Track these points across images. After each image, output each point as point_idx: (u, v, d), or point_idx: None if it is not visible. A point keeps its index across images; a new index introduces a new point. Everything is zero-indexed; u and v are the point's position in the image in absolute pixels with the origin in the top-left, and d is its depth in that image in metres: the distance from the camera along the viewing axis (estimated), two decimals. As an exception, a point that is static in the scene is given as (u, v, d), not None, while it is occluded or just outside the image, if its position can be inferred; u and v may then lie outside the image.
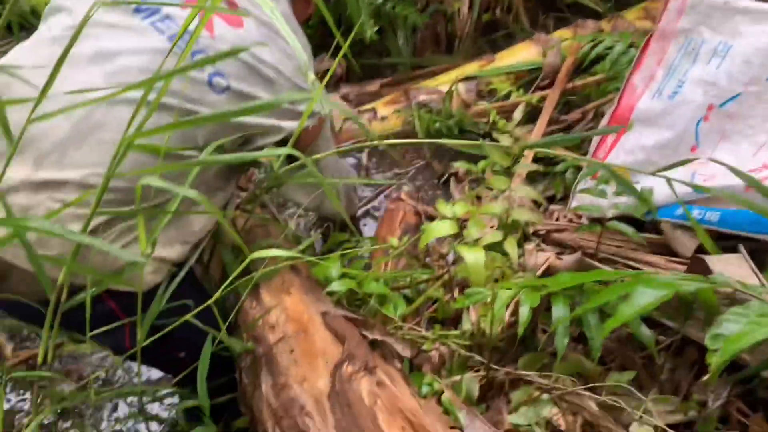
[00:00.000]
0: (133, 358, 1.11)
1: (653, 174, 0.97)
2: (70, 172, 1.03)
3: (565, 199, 1.90)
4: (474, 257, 1.07)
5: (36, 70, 0.89)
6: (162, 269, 1.17)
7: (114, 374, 1.80)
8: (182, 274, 1.17)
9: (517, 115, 1.13)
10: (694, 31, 1.56)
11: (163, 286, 1.13)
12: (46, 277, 0.83)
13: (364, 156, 2.33)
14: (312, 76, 1.36)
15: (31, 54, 1.14)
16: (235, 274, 1.08)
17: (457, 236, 1.48)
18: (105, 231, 1.07)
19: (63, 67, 0.79)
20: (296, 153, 0.97)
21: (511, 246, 1.13)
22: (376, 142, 1.06)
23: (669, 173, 1.49)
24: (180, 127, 0.78)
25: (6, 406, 1.67)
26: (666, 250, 1.50)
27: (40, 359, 1.04)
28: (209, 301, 1.09)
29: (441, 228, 1.16)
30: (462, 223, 1.32)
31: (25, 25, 2.19)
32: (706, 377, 0.83)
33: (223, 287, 1.07)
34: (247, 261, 1.01)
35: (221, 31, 1.21)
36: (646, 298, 0.85)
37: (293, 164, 1.29)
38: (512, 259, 1.11)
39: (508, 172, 1.87)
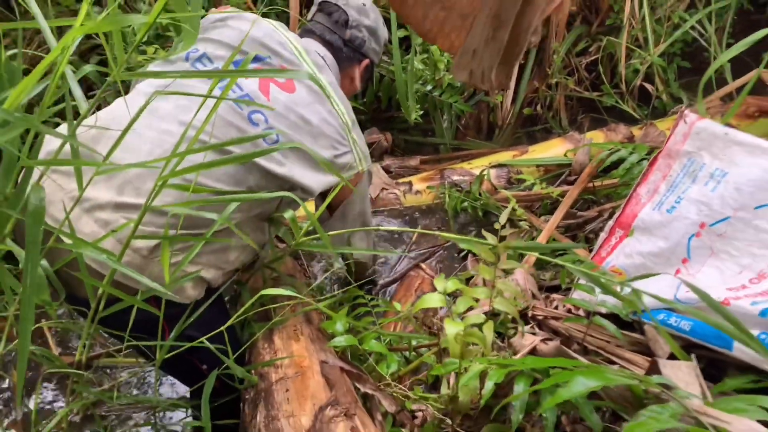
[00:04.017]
0: (162, 367, 1.31)
1: (628, 282, 1.11)
2: (143, 199, 1.27)
3: (569, 289, 2.03)
4: (453, 330, 1.23)
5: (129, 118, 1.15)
6: (200, 287, 1.39)
7: (139, 386, 2.02)
8: (217, 294, 1.40)
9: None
10: (697, 154, 1.72)
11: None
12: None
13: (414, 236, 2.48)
14: (354, 135, 1.60)
15: (127, 104, 1.43)
16: (248, 305, 1.30)
17: (468, 311, 1.65)
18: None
19: (150, 117, 1.04)
20: (316, 220, 1.17)
21: (488, 329, 1.28)
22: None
23: (657, 280, 1.63)
24: (208, 168, 1.01)
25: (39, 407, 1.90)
26: (648, 350, 1.61)
27: (77, 356, 1.26)
28: (228, 323, 1.30)
29: (432, 300, 1.33)
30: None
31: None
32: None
33: (236, 315, 1.27)
34: (257, 296, 1.22)
35: (275, 95, 1.48)
36: (579, 386, 0.99)
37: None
38: (487, 340, 1.26)
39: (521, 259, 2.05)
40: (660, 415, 0.93)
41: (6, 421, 1.84)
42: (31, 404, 1.93)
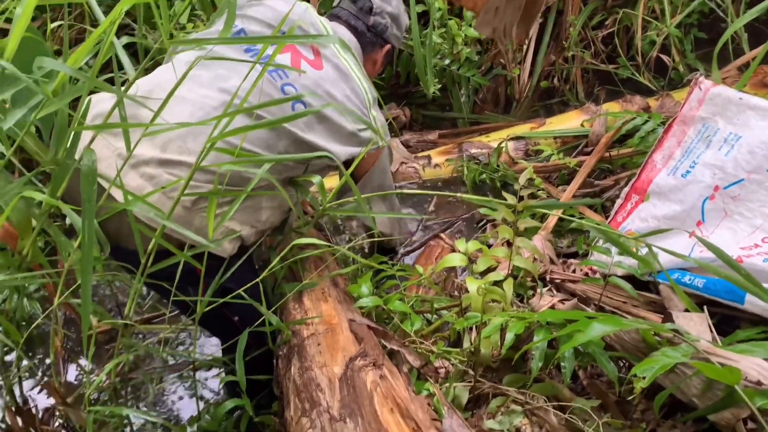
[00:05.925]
0: (199, 321, 1.40)
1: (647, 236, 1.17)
2: (186, 157, 1.37)
3: (586, 255, 2.09)
4: (473, 287, 1.30)
5: (171, 83, 1.22)
6: (235, 242, 1.49)
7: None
8: (249, 253, 1.49)
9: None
10: (711, 119, 1.76)
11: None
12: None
13: (431, 205, 2.56)
14: (374, 112, 1.68)
15: (168, 72, 1.52)
16: (280, 256, 1.39)
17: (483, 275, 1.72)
18: (204, 203, 1.39)
19: (191, 83, 1.12)
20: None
21: (508, 285, 1.35)
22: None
23: (673, 242, 1.68)
24: (250, 130, 1.09)
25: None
26: (663, 310, 1.67)
27: (127, 309, 1.36)
28: (260, 278, 1.40)
29: (453, 259, 1.40)
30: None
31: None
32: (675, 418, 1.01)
33: (269, 268, 1.37)
34: (288, 247, 1.30)
35: (305, 70, 1.55)
36: (596, 331, 1.06)
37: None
38: (507, 296, 1.33)
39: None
40: (673, 354, 1.00)
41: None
42: (72, 371, 2.04)
